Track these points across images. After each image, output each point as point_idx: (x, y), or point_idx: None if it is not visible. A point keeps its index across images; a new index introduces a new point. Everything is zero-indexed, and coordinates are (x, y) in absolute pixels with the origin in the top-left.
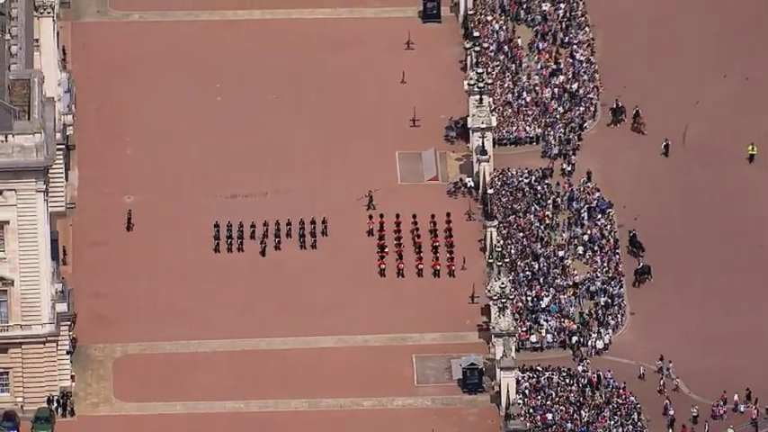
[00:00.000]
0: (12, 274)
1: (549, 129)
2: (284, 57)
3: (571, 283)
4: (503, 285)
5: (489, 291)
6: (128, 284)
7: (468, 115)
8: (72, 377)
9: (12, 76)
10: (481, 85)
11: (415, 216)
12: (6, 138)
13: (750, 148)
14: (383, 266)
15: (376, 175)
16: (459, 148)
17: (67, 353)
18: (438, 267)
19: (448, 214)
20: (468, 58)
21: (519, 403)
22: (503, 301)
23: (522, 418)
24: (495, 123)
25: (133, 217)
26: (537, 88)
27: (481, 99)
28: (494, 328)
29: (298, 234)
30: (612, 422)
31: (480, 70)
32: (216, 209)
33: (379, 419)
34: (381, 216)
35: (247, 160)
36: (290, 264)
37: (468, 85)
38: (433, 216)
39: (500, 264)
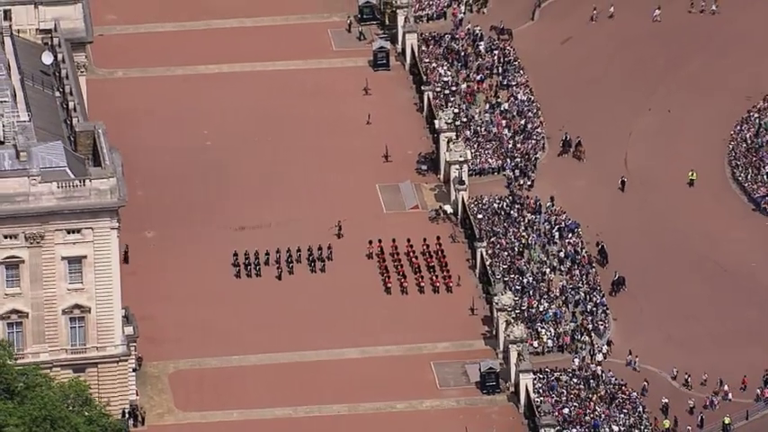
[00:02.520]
0: (89, 302)
1: (507, 160)
2: (258, 104)
3: (558, 294)
4: (516, 298)
5: (497, 303)
6: (166, 309)
7: (432, 150)
8: (136, 392)
9: (78, 128)
10: (457, 122)
11: (409, 240)
12: (84, 182)
13: (690, 173)
14: (389, 285)
15: (363, 205)
16: (430, 180)
17: (133, 370)
18: (438, 284)
19: (438, 237)
20: (426, 99)
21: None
22: (516, 312)
23: (551, 414)
24: (470, 156)
25: (129, 251)
26: (491, 126)
27: (457, 135)
28: (508, 336)
29: (306, 259)
30: (622, 415)
31: (456, 110)
32: (228, 240)
33: (413, 420)
34: (380, 241)
35: (247, 196)
36: (304, 286)
37: (446, 123)
38: (425, 240)
39: (506, 279)
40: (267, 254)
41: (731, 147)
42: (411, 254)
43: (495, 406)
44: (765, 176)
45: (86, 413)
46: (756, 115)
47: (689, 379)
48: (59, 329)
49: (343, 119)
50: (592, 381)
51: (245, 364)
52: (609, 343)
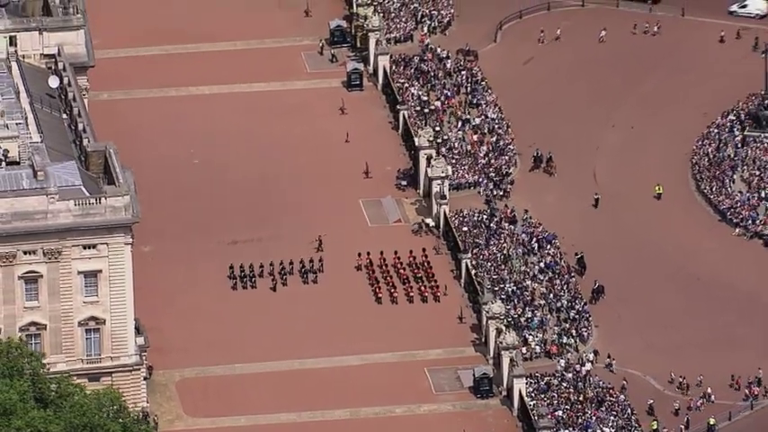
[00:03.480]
0: (104, 315)
1: (482, 175)
2: (241, 123)
3: (543, 302)
4: (507, 306)
5: (488, 311)
6: (168, 320)
7: (410, 167)
8: (146, 399)
9: (89, 148)
10: (438, 140)
11: (396, 252)
12: (100, 200)
13: (657, 187)
14: (380, 295)
15: (348, 220)
16: (410, 195)
17: (144, 379)
18: (426, 294)
19: (423, 249)
20: (401, 118)
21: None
22: (508, 320)
23: (548, 417)
24: (450, 172)
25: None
26: (465, 143)
27: (438, 152)
28: (501, 343)
29: (299, 272)
30: (612, 417)
31: (438, 128)
32: (221, 253)
33: (413, 423)
34: (368, 253)
35: (236, 211)
36: (298, 296)
37: (428, 141)
38: (411, 252)
39: (497, 288)
40: (261, 266)
41: (694, 161)
42: (398, 265)
43: (490, 410)
44: (730, 189)
45: (121, 420)
46: (716, 131)
47: (683, 380)
48: (76, 340)
49: (323, 137)
50: (580, 383)
51: (248, 372)
52: (596, 353)
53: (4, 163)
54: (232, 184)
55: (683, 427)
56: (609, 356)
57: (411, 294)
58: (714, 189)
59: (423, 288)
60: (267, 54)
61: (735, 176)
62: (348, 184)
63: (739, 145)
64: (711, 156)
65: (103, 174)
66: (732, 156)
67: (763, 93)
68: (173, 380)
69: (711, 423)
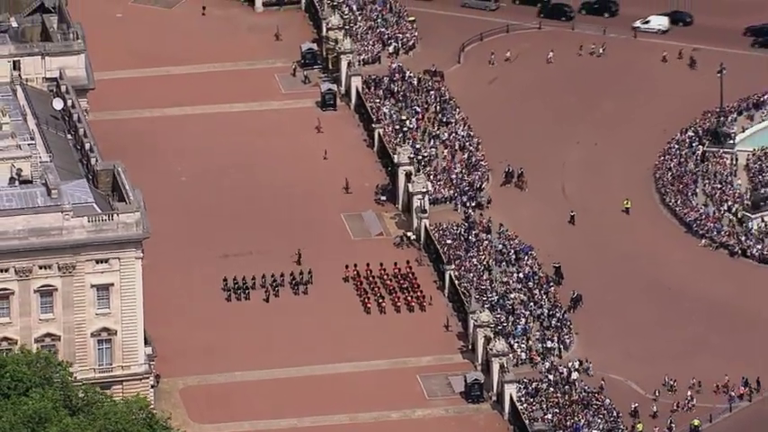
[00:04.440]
0: (115, 326)
1: (457, 190)
2: (223, 142)
3: (526, 311)
4: (497, 314)
5: (476, 320)
6: (168, 330)
7: (387, 182)
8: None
9: (98, 167)
10: (419, 157)
11: (382, 264)
12: (112, 217)
13: (626, 202)
14: (369, 305)
15: (332, 233)
16: (389, 209)
17: (152, 386)
18: (413, 304)
19: (407, 261)
20: (376, 136)
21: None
22: (498, 328)
23: (543, 421)
24: (430, 188)
25: None
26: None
27: (419, 169)
28: (491, 350)
29: (289, 283)
30: (600, 419)
31: (418, 145)
32: (214, 266)
33: (409, 428)
34: (355, 265)
35: (226, 226)
36: (290, 307)
37: (409, 157)
38: (395, 264)
39: (485, 298)
40: (254, 279)
41: (657, 176)
42: (384, 276)
43: (482, 414)
44: (694, 202)
45: (151, 426)
46: (676, 146)
47: (674, 384)
48: (88, 350)
49: (302, 154)
50: (566, 387)
51: (248, 380)
52: (581, 362)
53: (17, 182)
54: (219, 200)
55: (667, 429)
56: (586, 360)
57: (398, 304)
58: (679, 202)
59: (409, 298)
60: (242, 76)
61: (697, 190)
62: (329, 199)
63: (699, 160)
64: (674, 171)
65: (112, 191)
66: (694, 170)
67: (718, 110)
68: (176, 387)
69: (696, 424)
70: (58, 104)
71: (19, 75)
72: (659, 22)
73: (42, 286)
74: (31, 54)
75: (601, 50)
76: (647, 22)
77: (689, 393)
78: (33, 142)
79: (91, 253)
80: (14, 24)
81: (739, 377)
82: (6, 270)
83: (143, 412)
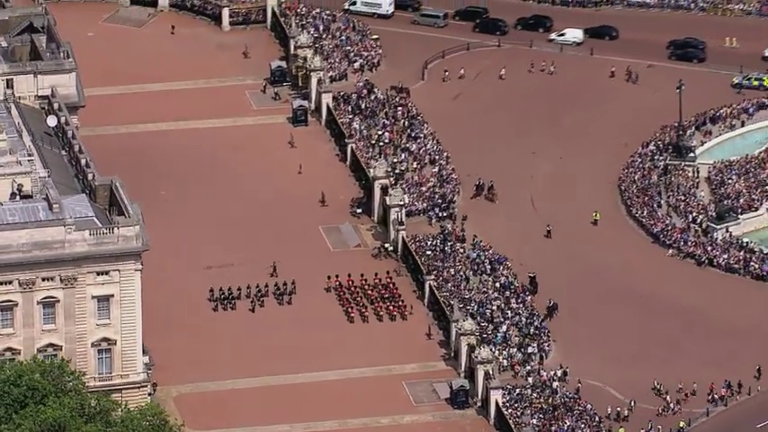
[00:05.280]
0: (115, 336)
1: (431, 203)
2: (199, 156)
3: (504, 319)
4: (482, 323)
5: (460, 328)
6: (159, 340)
7: (362, 196)
8: None
9: (97, 182)
10: (397, 171)
11: (363, 275)
12: (112, 230)
13: (594, 214)
14: (352, 315)
15: (311, 245)
16: (365, 221)
17: (149, 394)
18: (395, 313)
19: (387, 272)
20: (349, 151)
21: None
22: (483, 336)
23: (530, 426)
24: (408, 200)
25: None
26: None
27: (396, 182)
28: (477, 357)
29: (273, 294)
30: (583, 424)
31: (396, 159)
32: (199, 278)
33: None
34: (337, 276)
35: (208, 239)
36: (276, 317)
37: (386, 171)
38: (376, 274)
39: (471, 307)
40: (239, 289)
41: (622, 188)
42: (366, 286)
43: (468, 419)
44: (659, 213)
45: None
46: (639, 160)
47: (661, 387)
48: (89, 360)
49: (277, 169)
50: (549, 392)
51: (239, 387)
52: (565, 373)
53: (18, 197)
54: (199, 213)
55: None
56: (561, 366)
57: (380, 313)
58: (645, 214)
59: (391, 307)
60: (214, 93)
61: (662, 202)
62: (307, 212)
63: (662, 173)
64: (638, 183)
65: (109, 206)
66: (657, 183)
67: (677, 124)
68: (170, 395)
69: (681, 426)
70: (51, 121)
71: (12, 93)
72: (574, 34)
73: (45, 298)
74: (23, 73)
75: (552, 68)
76: (562, 35)
77: (668, 397)
78: (32, 158)
79: (92, 265)
80: (4, 44)
81: (714, 381)
82: (10, 282)
83: (156, 419)
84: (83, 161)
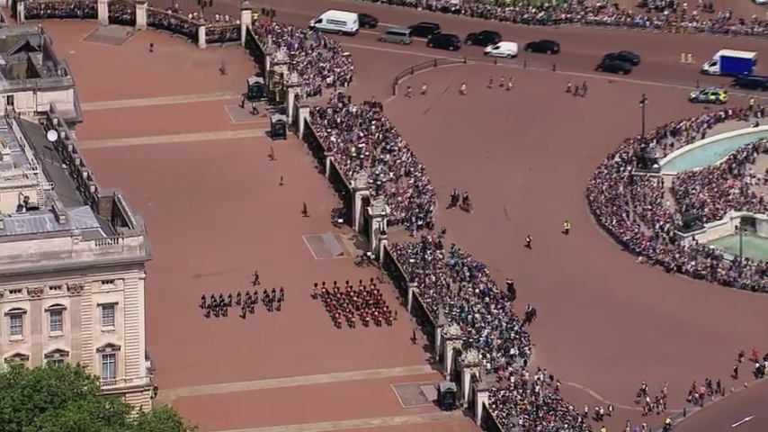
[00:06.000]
0: (119, 342)
1: (409, 212)
2: (184, 169)
3: (485, 324)
4: (472, 326)
5: (445, 333)
6: (156, 346)
7: (342, 206)
8: None
9: (100, 194)
10: (378, 182)
11: (348, 282)
12: (117, 240)
13: (565, 224)
14: (339, 320)
15: (297, 254)
16: (346, 231)
17: (151, 398)
18: (380, 319)
19: (371, 279)
20: (328, 163)
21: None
22: (469, 340)
23: (517, 427)
24: (389, 210)
25: None
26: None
27: (377, 193)
28: (463, 361)
29: (262, 301)
30: (565, 424)
31: (378, 171)
32: (189, 286)
33: None
34: (323, 283)
35: (196, 248)
36: (266, 323)
37: (367, 182)
38: (360, 281)
39: (453, 312)
40: (230, 296)
41: (591, 198)
42: (351, 293)
43: (455, 420)
44: (628, 222)
45: None
46: (606, 171)
47: (646, 388)
48: (94, 365)
49: (259, 180)
50: (532, 394)
51: (235, 390)
52: (551, 377)
53: (24, 209)
54: (186, 223)
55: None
56: (538, 369)
57: (366, 319)
58: (614, 223)
59: (376, 313)
60: (194, 108)
61: (630, 211)
62: (290, 222)
63: (628, 183)
64: (606, 193)
65: (112, 217)
66: (624, 193)
67: (640, 137)
68: (169, 398)
69: (668, 422)
70: (52, 136)
71: (13, 109)
72: (508, 47)
73: (52, 305)
74: (23, 89)
75: (510, 84)
76: (497, 48)
77: (647, 398)
78: (37, 171)
79: (97, 274)
80: (2, 62)
81: (690, 383)
82: (19, 291)
83: (171, 421)
84: (84, 174)
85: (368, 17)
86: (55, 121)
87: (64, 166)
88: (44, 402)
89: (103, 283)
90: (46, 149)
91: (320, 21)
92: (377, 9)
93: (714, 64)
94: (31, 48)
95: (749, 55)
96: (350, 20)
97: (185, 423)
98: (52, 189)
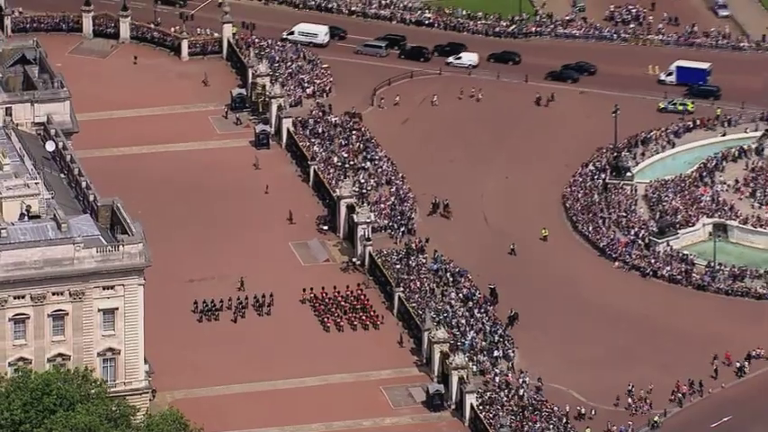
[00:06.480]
0: (119, 346)
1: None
2: (173, 177)
3: (469, 327)
4: (457, 330)
5: (433, 336)
6: (151, 349)
7: (327, 214)
8: None
9: (99, 203)
10: (363, 191)
11: (335, 287)
12: (117, 247)
13: (543, 231)
14: (328, 324)
15: (284, 261)
16: (331, 238)
17: (149, 400)
18: (367, 323)
19: (358, 284)
20: (312, 172)
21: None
22: (457, 343)
23: (507, 427)
24: (374, 218)
25: None
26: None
27: (362, 201)
28: (451, 363)
29: (252, 306)
30: (551, 424)
31: (363, 180)
32: (181, 291)
33: None
34: (312, 288)
35: (187, 254)
36: (257, 327)
37: (353, 191)
38: (348, 286)
39: (440, 317)
40: (221, 301)
41: (567, 205)
42: (339, 298)
43: (444, 421)
44: (604, 229)
45: None
46: (581, 179)
47: (633, 389)
48: (95, 369)
49: (245, 189)
50: (513, 394)
51: (229, 393)
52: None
53: (26, 217)
54: (176, 230)
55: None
56: (521, 371)
57: (354, 323)
58: (591, 229)
59: (364, 317)
60: (179, 118)
61: (605, 218)
62: (276, 229)
63: (601, 190)
64: (582, 201)
65: (111, 225)
66: (599, 200)
67: (612, 146)
68: (165, 401)
69: (656, 420)
70: (50, 146)
71: (11, 120)
72: (469, 58)
73: (55, 311)
74: (21, 101)
75: (480, 95)
76: (459, 59)
77: (625, 400)
78: (39, 181)
79: (98, 280)
80: None
81: (669, 384)
82: (23, 296)
83: (178, 423)
84: (83, 183)
85: (338, 29)
86: (52, 132)
87: (62, 175)
88: (53, 405)
89: (104, 289)
90: (44, 159)
91: (292, 33)
92: (346, 22)
93: (671, 74)
94: (27, 61)
95: (705, 65)
96: (321, 32)
97: (191, 425)
98: (52, 198)
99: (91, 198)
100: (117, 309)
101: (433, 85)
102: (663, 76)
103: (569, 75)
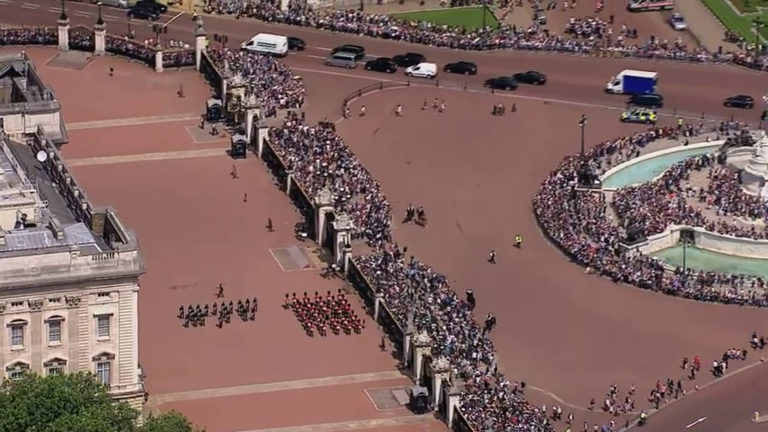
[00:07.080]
0: (113, 351)
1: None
2: (152, 186)
3: (448, 331)
4: (437, 334)
5: (416, 340)
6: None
7: (305, 221)
8: None
9: (93, 211)
10: (343, 199)
11: (317, 292)
12: (112, 255)
13: (517, 237)
14: (311, 329)
15: (265, 266)
16: (310, 245)
17: (142, 403)
18: (349, 327)
19: (339, 290)
20: (289, 181)
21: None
22: (440, 347)
23: (490, 429)
24: (353, 225)
25: None
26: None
27: (342, 209)
28: (435, 366)
29: (236, 311)
30: (532, 425)
31: (342, 188)
32: (166, 297)
33: None
34: (294, 294)
35: (169, 262)
36: (242, 332)
37: (333, 199)
38: (329, 292)
39: (425, 321)
40: (206, 307)
41: (538, 212)
42: (321, 303)
43: (427, 423)
44: (575, 236)
45: None
46: (550, 187)
47: (615, 389)
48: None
49: (223, 197)
50: (494, 396)
51: (218, 396)
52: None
53: (22, 225)
54: (158, 238)
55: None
56: (500, 374)
57: (336, 328)
58: (562, 236)
59: (345, 322)
60: (156, 128)
61: (575, 224)
62: (256, 237)
63: (570, 198)
64: (552, 208)
65: (104, 233)
66: (568, 208)
67: (579, 155)
68: (156, 403)
69: (643, 417)
70: (42, 157)
71: (2, 131)
72: (428, 68)
73: (52, 317)
74: (12, 113)
75: (443, 106)
76: (417, 69)
77: (607, 401)
78: (34, 190)
79: (94, 287)
80: None
81: (644, 386)
82: (21, 303)
83: (180, 426)
84: (75, 192)
85: (296, 40)
86: (43, 143)
87: (53, 184)
88: (57, 408)
89: (99, 295)
90: (36, 169)
91: (251, 43)
92: (304, 33)
93: (618, 83)
94: (16, 73)
95: (651, 75)
96: (279, 42)
97: (194, 428)
98: (46, 207)
99: (84, 207)
100: (112, 314)
101: (401, 96)
102: (610, 86)
103: (508, 82)
